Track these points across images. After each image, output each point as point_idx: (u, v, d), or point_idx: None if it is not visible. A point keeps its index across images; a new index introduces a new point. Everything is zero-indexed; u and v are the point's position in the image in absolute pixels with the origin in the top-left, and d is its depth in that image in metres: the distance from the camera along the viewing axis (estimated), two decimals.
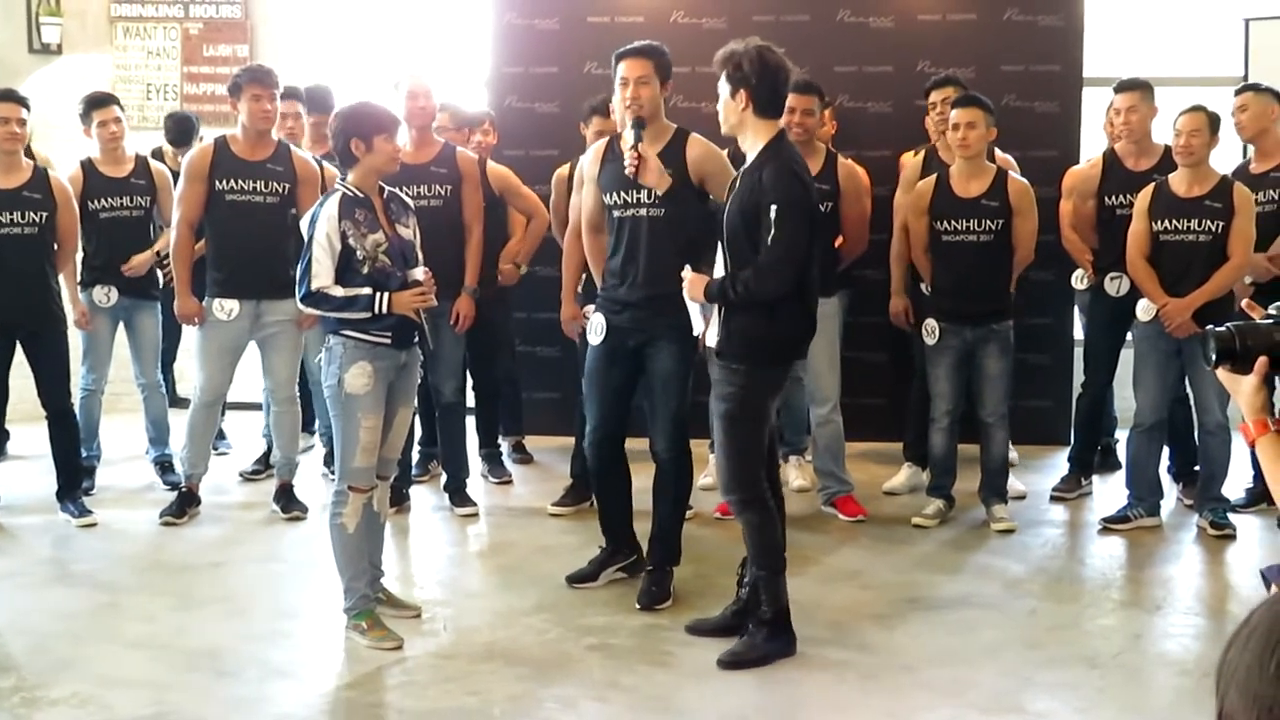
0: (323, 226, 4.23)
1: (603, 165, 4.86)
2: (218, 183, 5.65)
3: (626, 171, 4.54)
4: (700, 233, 4.57)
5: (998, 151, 6.15)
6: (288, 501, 5.94)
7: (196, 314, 5.73)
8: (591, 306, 5.00)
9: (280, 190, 5.72)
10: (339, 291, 4.22)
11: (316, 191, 5.76)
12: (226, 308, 5.68)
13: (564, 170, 6.04)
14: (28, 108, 5.72)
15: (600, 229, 4.98)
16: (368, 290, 4.23)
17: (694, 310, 4.33)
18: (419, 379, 4.59)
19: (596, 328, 4.83)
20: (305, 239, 4.28)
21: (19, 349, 5.84)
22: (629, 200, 4.74)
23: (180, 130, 7.02)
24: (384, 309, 4.24)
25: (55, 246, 5.76)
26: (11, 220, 5.59)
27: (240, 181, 5.67)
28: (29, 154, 6.64)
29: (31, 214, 5.62)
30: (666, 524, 4.86)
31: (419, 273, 4.37)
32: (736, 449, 4.22)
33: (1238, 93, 6.05)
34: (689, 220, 4.61)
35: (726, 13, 7.18)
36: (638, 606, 4.69)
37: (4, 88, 5.80)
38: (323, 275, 4.22)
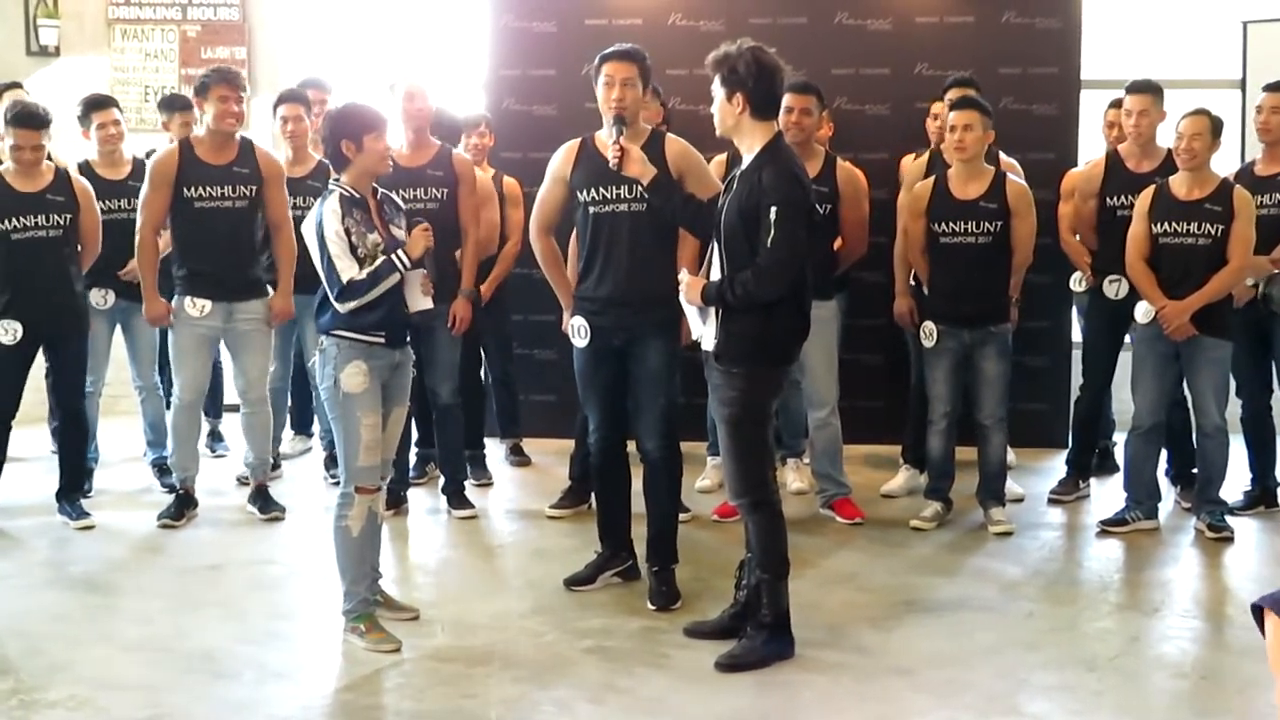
0: (330, 223, 4.23)
1: (576, 164, 4.85)
2: (185, 190, 5.63)
3: (611, 164, 4.53)
4: (687, 224, 4.58)
5: (1002, 155, 6.14)
6: (265, 502, 5.94)
7: (165, 314, 5.73)
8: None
9: (247, 193, 5.71)
10: (363, 275, 4.23)
11: (283, 189, 5.77)
12: (199, 304, 5.68)
13: None
14: (47, 126, 5.59)
15: (552, 231, 4.99)
16: (381, 259, 4.25)
17: (691, 314, 4.32)
18: (412, 378, 4.59)
19: (579, 330, 4.83)
20: (317, 242, 4.25)
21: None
22: (608, 196, 4.75)
23: (171, 102, 6.98)
24: (406, 263, 4.27)
25: (79, 248, 5.77)
26: (35, 224, 5.58)
27: (206, 188, 5.65)
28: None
29: (55, 217, 5.62)
30: (665, 523, 4.87)
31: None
32: (743, 452, 4.22)
33: (1269, 89, 5.90)
34: (670, 214, 4.59)
35: (724, 15, 7.19)
36: (652, 608, 4.70)
37: (24, 108, 5.64)
38: (348, 269, 4.22)
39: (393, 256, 4.27)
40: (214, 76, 5.71)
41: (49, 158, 6.28)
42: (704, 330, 4.26)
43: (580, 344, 4.85)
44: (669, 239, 4.78)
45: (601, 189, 4.75)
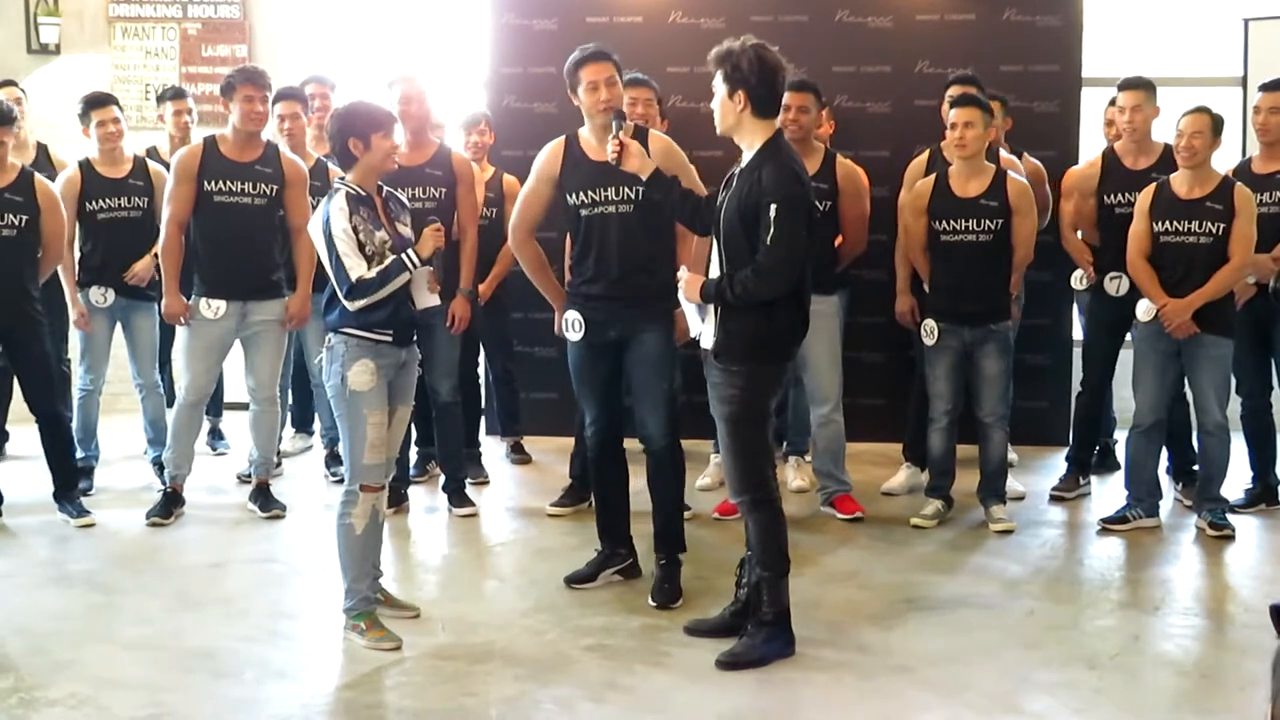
0: (338, 221, 4.22)
1: (564, 166, 4.84)
2: (206, 183, 5.65)
3: (610, 158, 4.52)
4: (685, 219, 4.58)
5: (1001, 152, 6.12)
6: (265, 500, 5.95)
7: (183, 313, 5.74)
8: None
9: (268, 192, 5.72)
10: (372, 273, 4.22)
11: (305, 193, 5.76)
12: (214, 306, 5.69)
13: None
14: (11, 124, 5.59)
15: (535, 233, 4.99)
16: (391, 258, 4.25)
17: (690, 311, 4.32)
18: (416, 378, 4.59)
19: (574, 324, 4.83)
20: (325, 241, 4.24)
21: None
22: (597, 199, 4.74)
23: (164, 94, 7.02)
24: (416, 262, 4.27)
25: (40, 251, 5.73)
26: None
27: (228, 183, 5.66)
28: (46, 156, 6.66)
29: (11, 216, 5.59)
30: (669, 514, 4.86)
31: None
32: (743, 450, 4.21)
33: (1265, 89, 5.88)
34: (669, 209, 4.58)
35: (725, 13, 7.18)
36: (652, 605, 4.70)
37: None
38: (357, 266, 4.21)
39: (403, 256, 4.26)
40: (239, 76, 5.72)
41: (49, 159, 6.25)
42: (703, 328, 4.26)
43: (574, 338, 4.84)
44: (662, 236, 4.78)
45: (590, 192, 4.75)
